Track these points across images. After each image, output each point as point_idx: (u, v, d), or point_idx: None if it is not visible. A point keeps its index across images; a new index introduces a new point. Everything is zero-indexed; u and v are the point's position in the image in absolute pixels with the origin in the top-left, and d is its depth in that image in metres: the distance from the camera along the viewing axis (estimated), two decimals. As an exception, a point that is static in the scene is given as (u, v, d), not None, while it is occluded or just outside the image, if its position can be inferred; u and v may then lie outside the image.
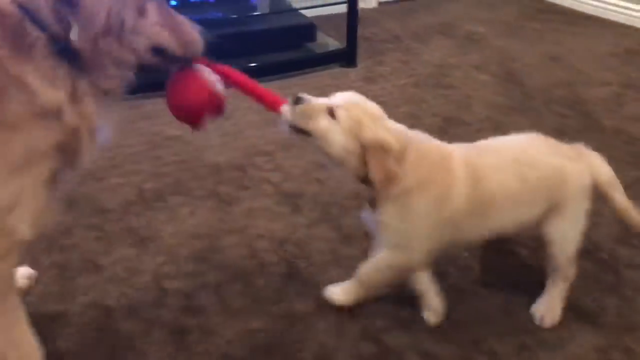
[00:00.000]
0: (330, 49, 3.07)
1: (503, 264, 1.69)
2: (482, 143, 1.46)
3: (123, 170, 2.08)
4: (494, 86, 2.79)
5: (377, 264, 1.43)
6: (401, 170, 1.29)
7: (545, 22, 3.62)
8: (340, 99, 1.32)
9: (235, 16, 2.86)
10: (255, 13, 2.97)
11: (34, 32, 1.03)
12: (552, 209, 1.41)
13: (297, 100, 1.29)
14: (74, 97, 1.09)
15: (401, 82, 2.83)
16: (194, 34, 1.23)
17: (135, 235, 1.77)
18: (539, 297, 1.51)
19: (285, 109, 1.30)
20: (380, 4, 3.94)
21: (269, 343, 1.44)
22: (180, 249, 1.72)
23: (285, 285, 1.60)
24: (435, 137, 2.04)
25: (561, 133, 2.18)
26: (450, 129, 2.40)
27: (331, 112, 1.29)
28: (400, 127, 1.36)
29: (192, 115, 1.30)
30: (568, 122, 2.47)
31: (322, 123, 1.28)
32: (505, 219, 1.40)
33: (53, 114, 1.05)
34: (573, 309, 1.51)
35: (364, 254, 1.56)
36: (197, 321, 1.49)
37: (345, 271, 1.64)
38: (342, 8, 3.02)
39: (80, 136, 1.11)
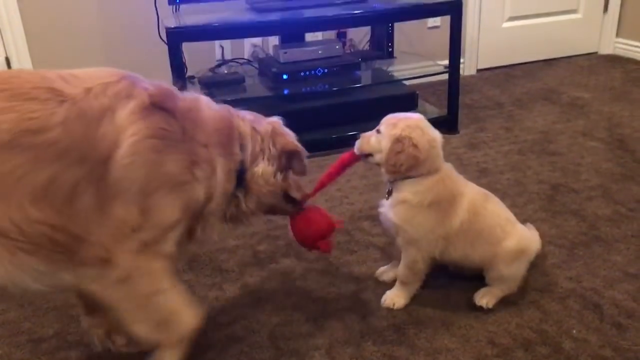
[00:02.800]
0: (432, 116, 3.12)
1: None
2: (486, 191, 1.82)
3: (239, 232, 2.21)
4: (604, 153, 2.73)
5: (406, 263, 1.77)
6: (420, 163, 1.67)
7: (653, 87, 3.53)
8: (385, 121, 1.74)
9: (340, 88, 3.00)
10: (358, 85, 3.10)
11: (238, 151, 1.48)
12: None
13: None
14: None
15: (504, 149, 2.83)
16: (301, 184, 1.66)
17: (251, 295, 1.87)
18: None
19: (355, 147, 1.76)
20: (479, 70, 4.00)
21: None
22: (293, 311, 1.79)
23: (395, 352, 1.62)
24: (543, 204, 2.01)
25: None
26: (558, 196, 2.36)
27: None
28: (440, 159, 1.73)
29: (317, 240, 1.70)
30: (687, 190, 2.37)
31: (372, 139, 1.74)
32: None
33: (209, 195, 1.42)
34: None
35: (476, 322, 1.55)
36: (311, 382, 1.54)
37: (459, 340, 1.64)
38: (443, 75, 3.11)
39: (202, 222, 1.47)
